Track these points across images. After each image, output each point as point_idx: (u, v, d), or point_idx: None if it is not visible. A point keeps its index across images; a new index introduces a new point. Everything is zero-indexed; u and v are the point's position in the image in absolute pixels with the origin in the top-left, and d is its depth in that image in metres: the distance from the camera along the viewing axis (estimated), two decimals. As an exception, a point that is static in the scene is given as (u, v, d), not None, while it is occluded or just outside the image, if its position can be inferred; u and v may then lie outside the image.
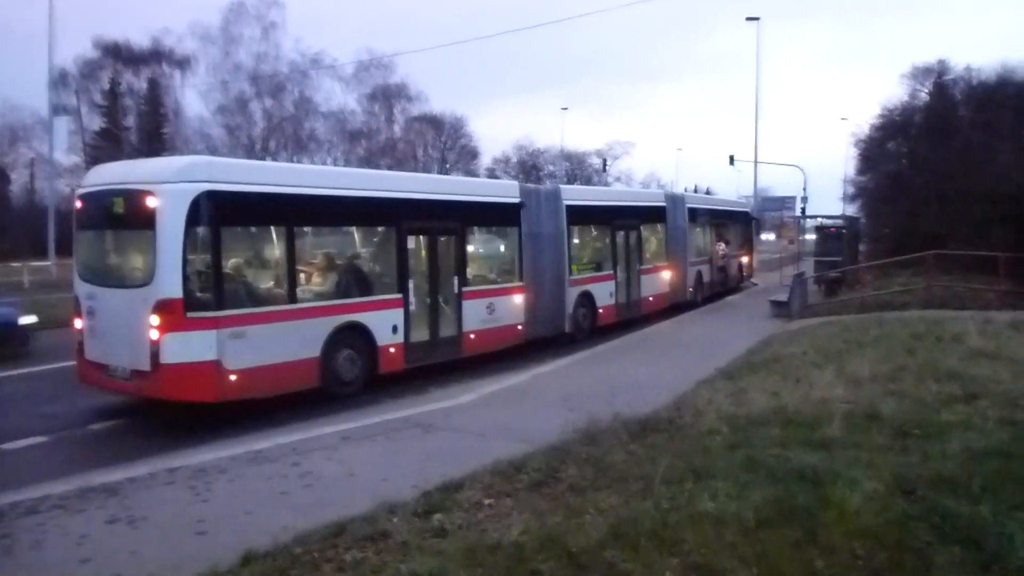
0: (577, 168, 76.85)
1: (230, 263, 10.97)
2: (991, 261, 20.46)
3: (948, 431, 7.50)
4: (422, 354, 13.66)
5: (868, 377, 10.14)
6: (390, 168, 53.04)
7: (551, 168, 76.55)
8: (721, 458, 6.81)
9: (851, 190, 39.74)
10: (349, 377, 12.22)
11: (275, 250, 11.84)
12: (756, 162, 49.75)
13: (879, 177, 32.66)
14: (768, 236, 70.38)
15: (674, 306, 22.66)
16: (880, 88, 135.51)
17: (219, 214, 10.42)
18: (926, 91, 32.07)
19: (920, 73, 32.14)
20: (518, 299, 16.03)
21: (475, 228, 15.99)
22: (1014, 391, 9.14)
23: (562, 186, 20.20)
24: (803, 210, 52.34)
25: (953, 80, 31.22)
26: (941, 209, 25.78)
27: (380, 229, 13.77)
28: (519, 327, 16.02)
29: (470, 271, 15.11)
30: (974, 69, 30.39)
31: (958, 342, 12.82)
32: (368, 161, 55.61)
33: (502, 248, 16.99)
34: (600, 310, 18.77)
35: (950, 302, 19.19)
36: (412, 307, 13.42)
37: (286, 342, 11.15)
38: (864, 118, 71.71)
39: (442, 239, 14.48)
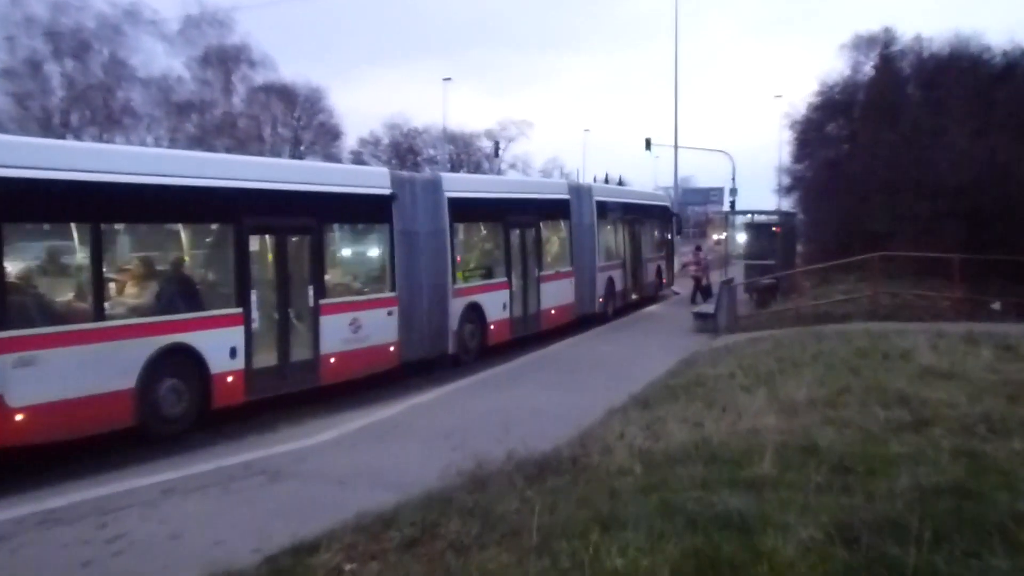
0: (463, 153, 77.18)
1: (16, 270, 10.61)
2: (943, 263, 21.40)
3: (896, 465, 7.72)
4: (268, 383, 13.54)
5: (805, 402, 10.47)
6: (228, 151, 51.61)
7: (431, 152, 76.62)
8: (633, 503, 6.86)
9: (787, 180, 41.18)
10: (174, 413, 11.95)
11: (76, 254, 11.55)
12: (676, 147, 51.19)
13: (817, 165, 34.03)
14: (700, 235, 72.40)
15: (581, 320, 23.11)
16: (818, 61, 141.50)
17: (0, 206, 10.06)
18: (870, 64, 33.53)
19: (863, 43, 33.63)
20: (390, 313, 16.06)
21: (336, 226, 15.98)
22: (971, 416, 9.50)
23: (444, 174, 20.31)
24: (732, 204, 54.02)
25: (900, 52, 32.77)
26: (887, 202, 26.98)
27: (214, 227, 13.51)
28: (391, 348, 16.03)
29: (330, 279, 15.11)
30: (924, 39, 31.99)
31: (907, 360, 13.36)
32: (200, 141, 54.10)
33: (370, 251, 16.98)
34: (491, 326, 18.98)
35: (898, 313, 20.11)
36: (255, 325, 13.23)
37: (91, 370, 10.86)
38: (800, 96, 74.58)
39: (294, 240, 14.37)
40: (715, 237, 41.20)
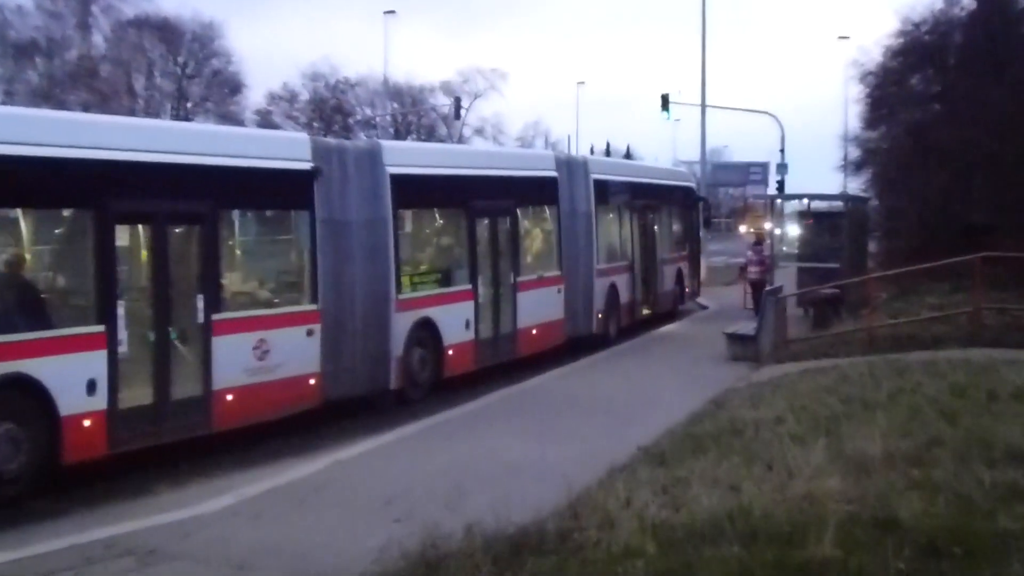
0: (412, 113, 77.12)
1: None
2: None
3: (1006, 547, 7.72)
4: (141, 430, 13.52)
5: (880, 459, 10.44)
6: (86, 108, 51.24)
7: (367, 112, 76.49)
8: (645, 599, 6.90)
9: (855, 153, 41.18)
10: (10, 470, 11.88)
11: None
12: (704, 106, 51.37)
13: (897, 132, 34.03)
14: (732, 226, 72.52)
15: (572, 342, 23.20)
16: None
17: None
18: (971, -5, 33.57)
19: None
20: (310, 333, 16.12)
21: (236, 213, 16.07)
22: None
23: (385, 143, 20.36)
24: (780, 185, 54.02)
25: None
26: (992, 184, 27.04)
27: (66, 215, 13.51)
28: (311, 381, 16.08)
29: (227, 287, 15.29)
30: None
31: (1022, 401, 13.41)
32: (47, 96, 53.92)
33: (282, 247, 17.06)
34: (449, 350, 19.07)
35: (1008, 336, 20.06)
36: (124, 349, 13.19)
37: None
38: (874, 38, 74.55)
39: (177, 232, 14.48)
40: (745, 229, 41.23)
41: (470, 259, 19.98)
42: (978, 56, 30.73)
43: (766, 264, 30.02)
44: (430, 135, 75.42)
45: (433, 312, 18.71)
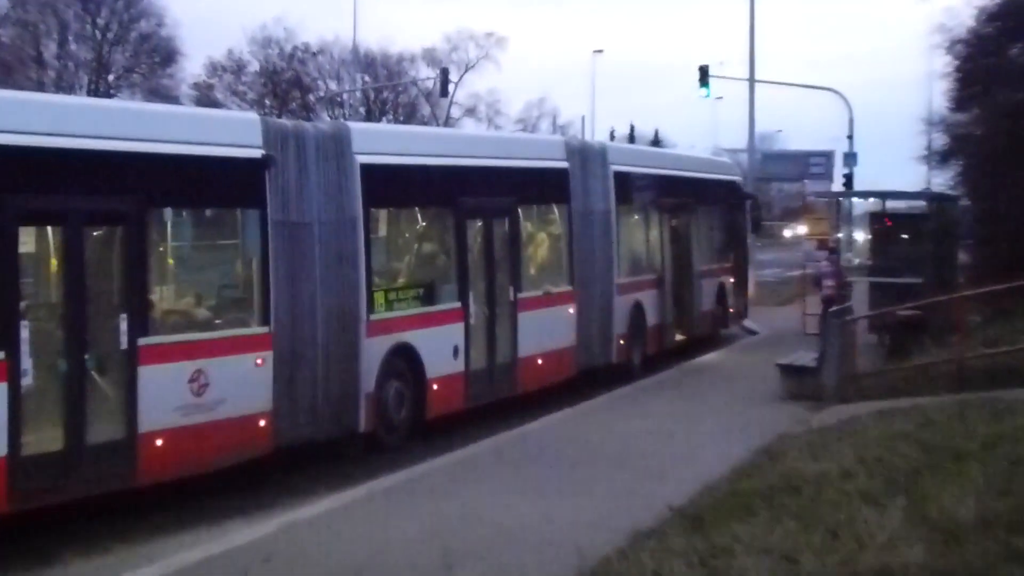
0: (387, 89, 77.19)
1: None
2: None
3: None
4: (49, 482, 13.56)
5: (974, 523, 10.35)
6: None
7: (332, 88, 76.55)
8: None
9: (941, 141, 41.19)
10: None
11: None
12: (752, 81, 51.37)
13: (994, 115, 34.02)
14: (786, 229, 72.53)
15: (586, 375, 23.34)
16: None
17: None
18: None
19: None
20: (260, 363, 16.17)
21: (168, 212, 16.08)
22: None
23: (354, 126, 20.43)
24: (847, 180, 53.96)
25: None
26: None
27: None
28: (261, 422, 16.13)
29: (158, 304, 15.45)
30: None
31: None
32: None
33: (226, 255, 17.19)
34: (433, 385, 19.19)
35: None
36: (27, 380, 13.25)
37: None
38: (965, -1, 74.58)
39: (95, 235, 14.58)
40: (787, 232, 41.17)
41: (460, 270, 20.08)
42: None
43: (842, 277, 29.95)
44: (410, 116, 75.56)
45: (413, 337, 18.81)
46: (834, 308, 26.72)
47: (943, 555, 9.57)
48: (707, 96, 56.04)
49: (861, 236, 34.21)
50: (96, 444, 14.03)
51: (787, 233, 56.61)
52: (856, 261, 34.14)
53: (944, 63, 38.60)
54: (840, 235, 35.29)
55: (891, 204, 32.91)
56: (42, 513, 13.28)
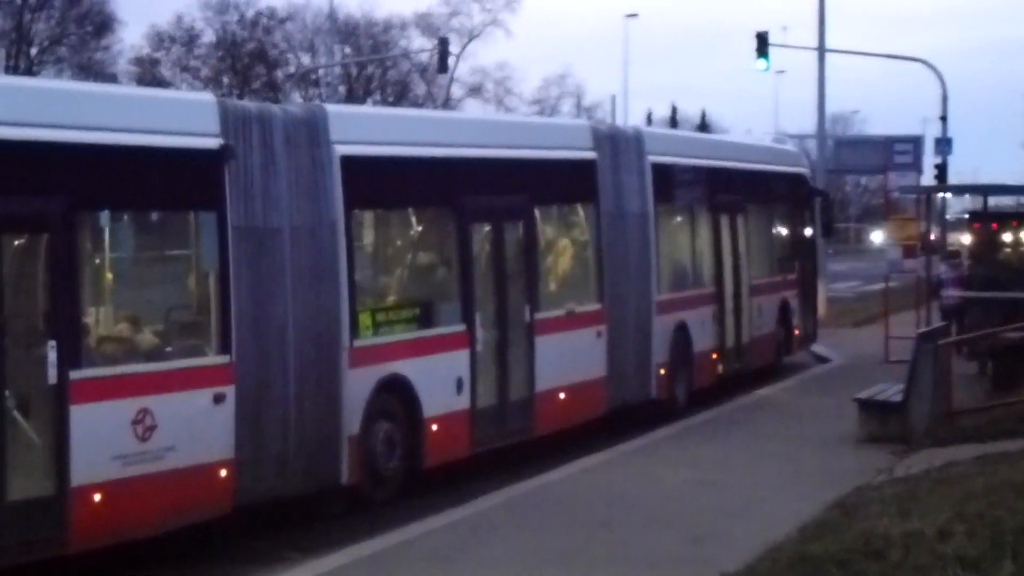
0: (372, 62, 77.51)
1: None
2: None
3: None
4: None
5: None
6: None
7: (305, 62, 77.06)
8: None
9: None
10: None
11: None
12: (822, 50, 51.01)
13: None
14: (866, 233, 72.91)
15: (619, 413, 23.23)
16: None
17: None
18: None
19: None
20: (218, 400, 15.95)
21: (105, 215, 15.83)
22: None
23: (332, 108, 20.02)
24: (940, 171, 54.14)
25: None
26: None
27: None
28: (221, 472, 15.95)
29: (93, 328, 15.32)
30: None
31: None
32: None
33: (174, 268, 17.32)
34: (431, 425, 18.96)
35: None
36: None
37: None
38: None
39: (15, 243, 14.60)
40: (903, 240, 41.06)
41: (463, 286, 20.12)
42: None
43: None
44: (401, 96, 76.07)
45: (407, 367, 18.77)
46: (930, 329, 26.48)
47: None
48: (766, 69, 56.36)
49: (960, 240, 34.18)
50: (17, 502, 13.80)
51: (872, 238, 56.99)
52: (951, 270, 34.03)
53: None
54: (928, 237, 35.37)
55: (995, 201, 32.92)
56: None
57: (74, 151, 14.76)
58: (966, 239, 34.55)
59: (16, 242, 14.46)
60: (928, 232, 38.18)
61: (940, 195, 40.25)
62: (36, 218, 14.42)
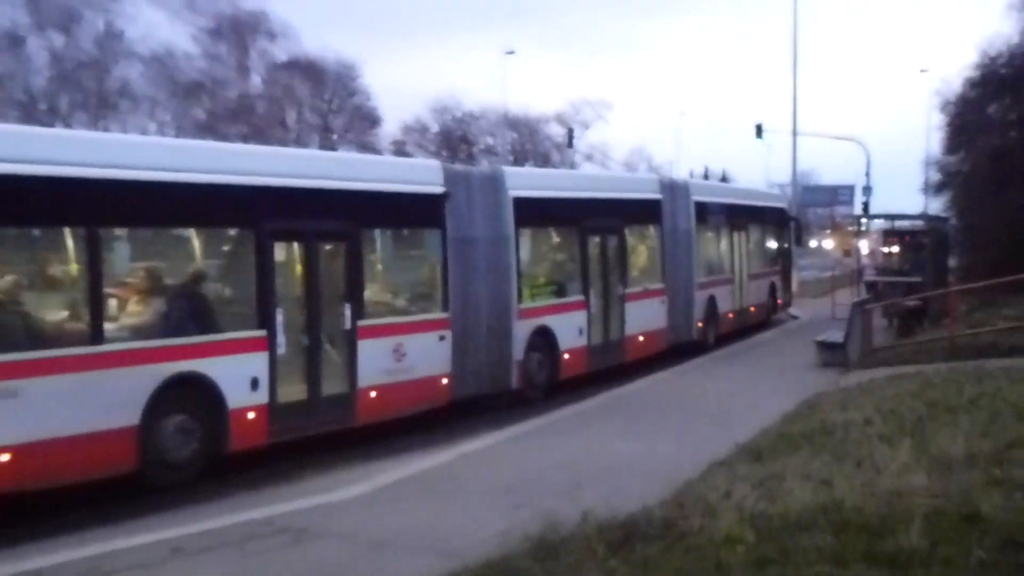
0: (528, 141, 77.33)
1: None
2: None
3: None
4: (296, 421, 13.76)
5: (962, 458, 10.22)
6: (245, 140, 52.23)
7: (489, 141, 76.94)
8: (745, 580, 6.82)
9: (936, 176, 40.48)
10: (182, 457, 12.20)
11: (69, 264, 11.82)
12: (795, 134, 50.82)
13: (977, 156, 33.26)
14: (820, 243, 71.81)
15: (675, 349, 23.29)
16: (977, 25, 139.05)
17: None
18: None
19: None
20: (441, 339, 16.30)
21: (376, 232, 16.34)
22: None
23: (507, 168, 20.53)
24: (865, 206, 53.39)
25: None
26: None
27: (232, 233, 13.93)
28: (443, 380, 16.25)
29: (369, 297, 15.41)
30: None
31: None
32: (210, 129, 54.86)
33: (416, 263, 17.34)
34: (564, 355, 19.13)
35: (1088, 347, 19.60)
36: (281, 350, 13.52)
37: (86, 404, 11.12)
38: (955, 70, 73.08)
39: (327, 249, 14.74)
40: (843, 248, 40.76)
41: (582, 273, 19.98)
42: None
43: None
44: (545, 161, 75.63)
45: (550, 320, 18.78)
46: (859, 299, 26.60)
47: (939, 480, 9.38)
48: (761, 143, 55.75)
49: (875, 247, 33.65)
50: (327, 396, 14.26)
51: (822, 245, 55.88)
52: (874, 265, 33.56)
53: (939, 119, 38.05)
54: (859, 247, 34.90)
55: (899, 223, 32.52)
56: (289, 446, 13.52)
57: (362, 194, 15.21)
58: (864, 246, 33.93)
59: (327, 247, 14.76)
60: (857, 242, 37.69)
61: (864, 220, 39.45)
62: (339, 232, 14.76)
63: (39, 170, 10.90)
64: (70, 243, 11.77)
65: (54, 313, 11.62)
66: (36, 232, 11.85)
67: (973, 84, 33.56)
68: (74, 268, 11.76)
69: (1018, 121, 32.37)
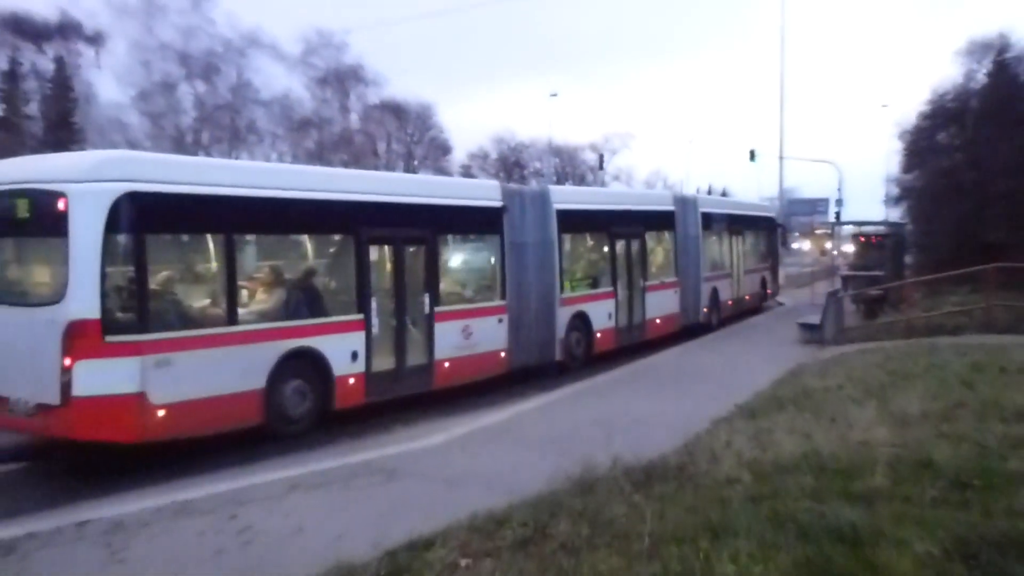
0: (568, 165, 77.50)
1: (157, 277, 10.96)
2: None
3: (1016, 482, 7.51)
4: (387, 386, 13.73)
5: (917, 416, 10.23)
6: (346, 165, 52.89)
7: (537, 165, 77.30)
8: (742, 512, 6.84)
9: (895, 191, 40.13)
10: (298, 413, 12.24)
11: (211, 262, 11.90)
12: (782, 157, 50.33)
13: (928, 175, 32.97)
14: (801, 245, 71.18)
15: (685, 329, 22.97)
16: (930, 69, 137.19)
17: (144, 219, 10.45)
18: (984, 71, 32.19)
19: (977, 49, 32.18)
20: (500, 321, 16.18)
21: (449, 237, 16.16)
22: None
23: (551, 187, 20.39)
24: (838, 215, 52.96)
25: (1016, 58, 31.27)
26: (1003, 212, 25.99)
27: (336, 238, 13.89)
28: (501, 354, 16.16)
29: (443, 288, 15.22)
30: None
31: (1026, 373, 12.83)
32: (319, 157, 55.57)
33: (480, 261, 17.14)
34: (597, 334, 18.98)
35: (1016, 326, 19.29)
36: (375, 330, 13.49)
37: (224, 371, 11.21)
38: (910, 105, 72.43)
39: (410, 250, 14.58)
40: (820, 248, 40.46)
41: (611, 270, 19.75)
42: (991, 118, 29.75)
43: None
44: (581, 181, 75.62)
45: (585, 307, 18.58)
46: (833, 289, 26.42)
47: (899, 434, 9.44)
48: (755, 165, 55.27)
49: (848, 247, 33.35)
50: (411, 366, 14.21)
51: (802, 246, 55.43)
52: (845, 262, 33.28)
53: (898, 145, 37.77)
54: (834, 248, 34.62)
55: (865, 228, 32.15)
56: (383, 405, 13.59)
57: (439, 208, 15.10)
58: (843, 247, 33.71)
59: (411, 249, 14.57)
60: (832, 244, 37.41)
61: (837, 227, 39.04)
62: (420, 238, 14.61)
63: (192, 189, 11.09)
64: (211, 246, 11.91)
65: (199, 300, 11.76)
66: (185, 238, 12.01)
67: (925, 116, 33.48)
68: (214, 266, 11.87)
69: (962, 146, 32.15)
